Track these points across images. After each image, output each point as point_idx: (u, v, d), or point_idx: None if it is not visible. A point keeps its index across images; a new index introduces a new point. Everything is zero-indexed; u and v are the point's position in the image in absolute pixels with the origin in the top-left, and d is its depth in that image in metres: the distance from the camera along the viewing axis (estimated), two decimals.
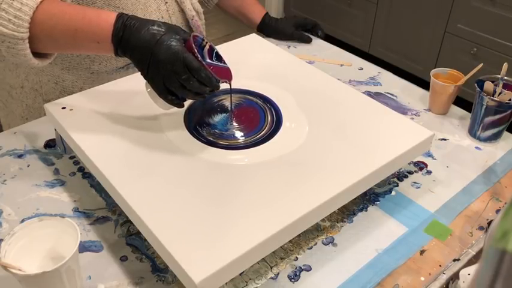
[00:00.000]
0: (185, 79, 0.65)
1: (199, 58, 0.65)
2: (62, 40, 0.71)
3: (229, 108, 0.79)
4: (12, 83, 0.93)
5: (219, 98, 0.82)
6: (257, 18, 1.18)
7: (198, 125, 0.76)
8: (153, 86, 0.69)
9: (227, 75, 0.73)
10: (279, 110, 0.80)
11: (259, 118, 0.78)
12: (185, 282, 0.55)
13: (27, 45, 0.69)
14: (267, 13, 1.19)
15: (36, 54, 0.73)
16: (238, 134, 0.75)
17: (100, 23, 0.68)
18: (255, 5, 1.19)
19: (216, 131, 0.75)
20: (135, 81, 0.84)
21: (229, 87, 0.76)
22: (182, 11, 0.95)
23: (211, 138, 0.73)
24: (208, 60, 0.70)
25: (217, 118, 0.78)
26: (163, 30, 0.66)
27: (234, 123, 0.77)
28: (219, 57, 0.73)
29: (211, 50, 0.72)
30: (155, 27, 0.66)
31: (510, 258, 0.27)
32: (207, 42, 0.71)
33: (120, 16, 0.68)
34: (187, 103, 0.80)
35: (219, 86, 0.69)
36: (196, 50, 0.66)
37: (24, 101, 0.94)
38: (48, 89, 0.92)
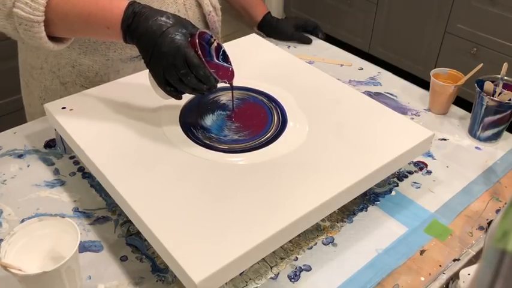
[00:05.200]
0: (183, 74, 0.66)
1: (201, 56, 0.66)
2: (75, 24, 0.73)
3: (232, 109, 0.79)
4: (33, 63, 0.96)
5: (226, 97, 0.82)
6: (259, 15, 1.18)
7: (199, 127, 0.76)
8: (154, 76, 0.70)
9: (228, 75, 0.73)
10: (284, 111, 0.80)
11: (267, 119, 0.78)
12: (185, 282, 0.55)
13: (43, 28, 0.72)
14: (269, 12, 1.19)
15: (53, 39, 0.75)
16: (241, 139, 0.74)
17: (112, 9, 0.70)
18: (258, 3, 1.19)
19: (218, 134, 0.74)
20: (135, 82, 0.84)
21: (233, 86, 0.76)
22: (199, 6, 0.95)
23: (208, 142, 0.73)
24: (215, 60, 0.70)
25: (221, 121, 0.77)
26: (170, 22, 0.68)
27: (240, 126, 0.76)
28: (225, 57, 0.73)
29: (219, 48, 0.72)
30: (163, 18, 0.68)
31: (510, 258, 0.27)
32: (215, 40, 0.71)
33: (132, 4, 0.70)
34: (187, 101, 0.80)
35: (216, 86, 0.69)
36: (199, 47, 0.66)
37: (42, 82, 0.96)
38: (65, 72, 0.93)
